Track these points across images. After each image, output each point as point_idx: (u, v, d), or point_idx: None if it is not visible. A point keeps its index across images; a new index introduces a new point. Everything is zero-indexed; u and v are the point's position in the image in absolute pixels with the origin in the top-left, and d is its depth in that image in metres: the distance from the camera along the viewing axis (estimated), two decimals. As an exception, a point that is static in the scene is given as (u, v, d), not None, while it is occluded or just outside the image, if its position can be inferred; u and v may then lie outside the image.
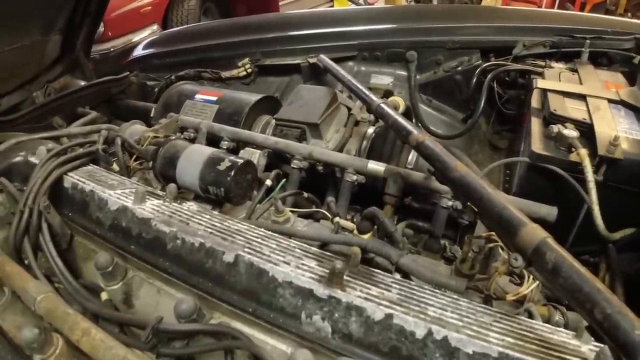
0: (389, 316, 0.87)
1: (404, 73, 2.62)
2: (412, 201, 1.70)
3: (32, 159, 1.46)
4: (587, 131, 1.53)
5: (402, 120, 1.35)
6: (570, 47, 2.26)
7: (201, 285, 1.05)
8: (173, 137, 1.55)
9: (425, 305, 0.91)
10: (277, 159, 1.84)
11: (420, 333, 0.84)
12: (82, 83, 2.41)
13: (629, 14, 7.54)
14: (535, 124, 1.65)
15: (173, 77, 2.71)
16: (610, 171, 1.45)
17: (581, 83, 1.91)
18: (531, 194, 1.37)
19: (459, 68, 2.49)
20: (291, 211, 1.42)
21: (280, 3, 7.77)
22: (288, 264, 1.00)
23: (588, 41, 2.20)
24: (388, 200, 1.61)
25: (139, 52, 3.25)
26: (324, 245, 1.23)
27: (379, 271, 1.03)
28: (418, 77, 2.60)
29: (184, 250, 1.09)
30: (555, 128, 1.52)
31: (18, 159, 1.48)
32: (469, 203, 1.06)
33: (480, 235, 1.17)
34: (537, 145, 1.53)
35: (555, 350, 0.82)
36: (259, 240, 1.10)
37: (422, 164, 1.70)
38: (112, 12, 5.19)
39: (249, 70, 2.77)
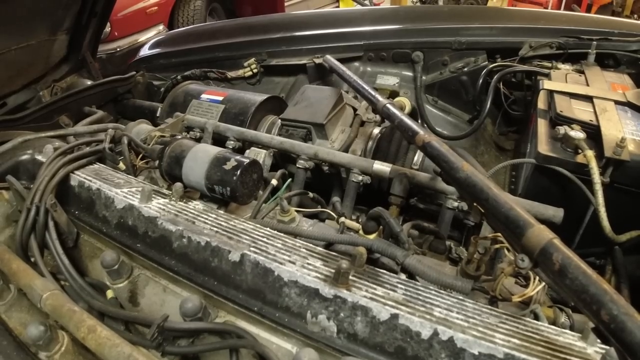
0: (395, 316, 0.87)
1: (409, 74, 2.63)
2: (418, 202, 1.70)
3: (39, 157, 1.46)
4: (593, 133, 1.52)
5: (408, 121, 1.35)
6: (577, 48, 2.25)
7: (207, 284, 1.05)
8: (179, 137, 1.56)
9: (431, 305, 0.90)
10: (283, 159, 1.85)
11: (426, 333, 0.84)
12: (89, 82, 2.43)
13: (635, 15, 7.50)
14: (542, 126, 1.64)
15: (179, 77, 2.72)
16: (617, 173, 1.44)
17: (588, 84, 1.90)
18: (537, 196, 1.36)
19: (465, 69, 2.48)
20: (297, 211, 1.43)
21: (285, 3, 7.79)
22: (294, 263, 1.00)
23: (595, 42, 2.19)
24: (393, 200, 1.60)
25: (145, 52, 3.27)
26: (329, 245, 1.23)
27: (385, 271, 1.02)
28: (424, 77, 2.60)
29: (189, 249, 1.10)
30: (562, 129, 1.51)
31: (25, 157, 1.48)
32: (475, 204, 1.06)
33: (485, 236, 1.17)
34: (543, 146, 1.52)
35: (561, 352, 0.82)
36: (265, 239, 1.09)
37: (427, 165, 1.70)
38: (118, 12, 5.24)
39: (255, 71, 2.78)
